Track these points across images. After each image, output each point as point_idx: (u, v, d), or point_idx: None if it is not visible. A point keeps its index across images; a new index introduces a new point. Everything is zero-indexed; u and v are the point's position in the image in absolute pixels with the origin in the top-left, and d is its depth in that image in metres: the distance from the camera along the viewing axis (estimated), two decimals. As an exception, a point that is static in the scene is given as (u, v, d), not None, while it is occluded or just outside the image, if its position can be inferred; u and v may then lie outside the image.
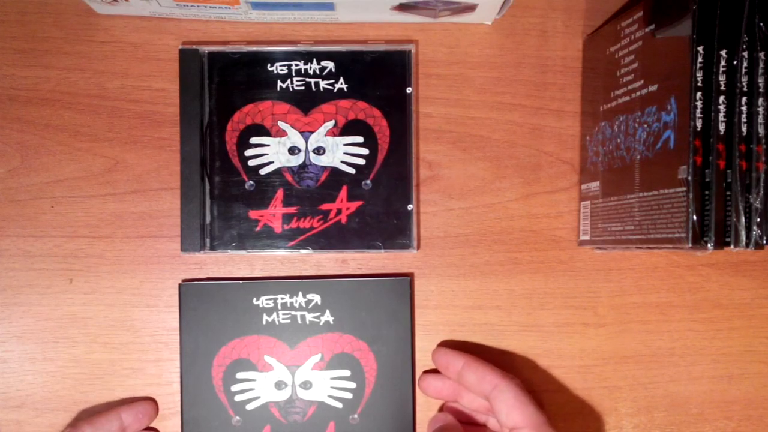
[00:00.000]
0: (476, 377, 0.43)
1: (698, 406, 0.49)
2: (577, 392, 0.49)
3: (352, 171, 0.46)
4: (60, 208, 0.47)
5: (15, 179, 0.47)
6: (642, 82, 0.42)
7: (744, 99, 0.37)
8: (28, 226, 0.47)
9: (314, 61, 0.46)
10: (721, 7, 0.37)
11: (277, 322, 0.46)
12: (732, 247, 0.37)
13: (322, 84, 0.46)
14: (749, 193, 0.37)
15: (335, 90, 0.47)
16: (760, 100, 0.37)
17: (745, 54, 0.37)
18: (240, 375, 0.46)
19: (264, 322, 0.46)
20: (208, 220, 0.46)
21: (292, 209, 0.46)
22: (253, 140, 0.46)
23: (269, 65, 0.46)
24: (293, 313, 0.46)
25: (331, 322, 0.46)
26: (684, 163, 0.37)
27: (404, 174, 0.47)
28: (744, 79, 0.37)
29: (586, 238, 0.48)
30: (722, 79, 0.37)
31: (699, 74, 0.37)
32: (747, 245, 0.37)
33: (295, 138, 0.46)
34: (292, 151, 0.46)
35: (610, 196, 0.45)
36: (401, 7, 0.45)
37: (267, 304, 0.46)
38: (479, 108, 0.49)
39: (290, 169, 0.46)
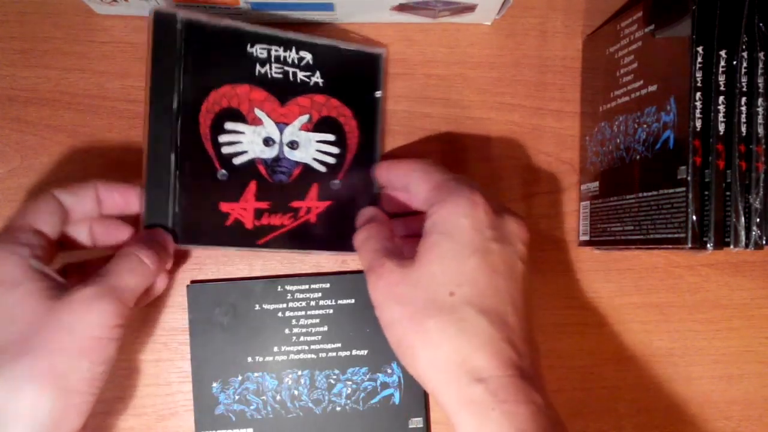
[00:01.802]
0: (397, 176, 0.43)
1: (698, 406, 0.49)
2: (576, 392, 0.49)
3: (323, 169, 0.45)
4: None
5: (14, 179, 0.47)
6: (641, 82, 0.42)
7: (743, 99, 0.37)
8: (27, 226, 0.47)
9: (293, 49, 0.45)
10: (720, 8, 0.37)
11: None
12: (731, 247, 0.37)
13: (300, 75, 0.45)
14: (749, 193, 0.37)
15: (311, 83, 0.45)
16: (760, 101, 0.37)
17: (745, 54, 0.37)
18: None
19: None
20: (176, 209, 0.42)
21: (264, 204, 0.44)
22: (228, 126, 0.43)
23: (249, 46, 0.44)
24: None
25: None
26: (683, 164, 0.37)
27: (370, 179, 0.46)
28: (743, 80, 0.37)
29: (586, 238, 0.48)
30: (722, 79, 0.37)
31: (698, 74, 0.37)
32: (746, 245, 0.37)
33: (270, 128, 0.44)
34: (267, 142, 0.44)
35: (609, 196, 0.45)
36: (401, 8, 0.45)
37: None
38: (479, 108, 0.49)
39: (264, 161, 0.44)
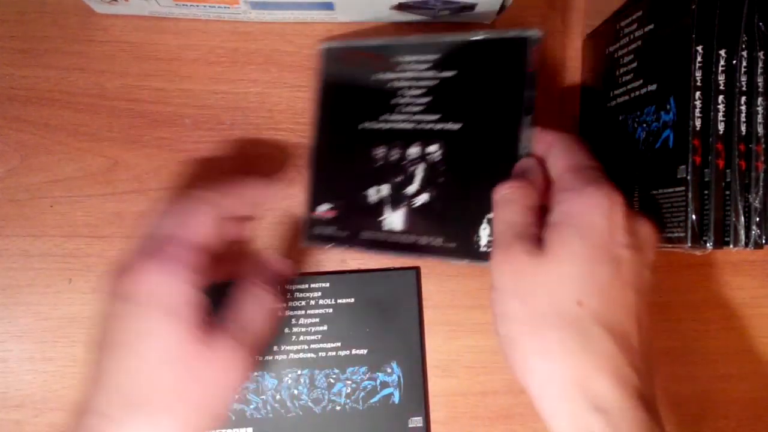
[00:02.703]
0: (541, 142, 0.39)
1: (697, 405, 0.49)
2: (576, 392, 0.49)
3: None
4: (59, 207, 0.47)
5: (14, 179, 0.47)
6: (641, 81, 0.42)
7: (743, 98, 0.37)
8: (27, 225, 0.47)
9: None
10: (720, 7, 0.37)
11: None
12: (731, 246, 0.37)
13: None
14: (748, 192, 0.37)
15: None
16: (760, 100, 0.37)
17: (745, 53, 0.37)
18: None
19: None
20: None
21: None
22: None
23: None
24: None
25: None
26: (683, 163, 0.37)
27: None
28: (743, 79, 0.37)
29: (586, 237, 0.48)
30: (721, 78, 0.37)
31: (698, 74, 0.37)
32: (746, 245, 0.37)
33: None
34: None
35: (609, 195, 0.45)
36: (400, 7, 0.45)
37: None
38: (479, 107, 0.49)
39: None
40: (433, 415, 0.48)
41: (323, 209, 0.45)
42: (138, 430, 0.32)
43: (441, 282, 0.48)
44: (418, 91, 0.44)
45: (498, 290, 0.35)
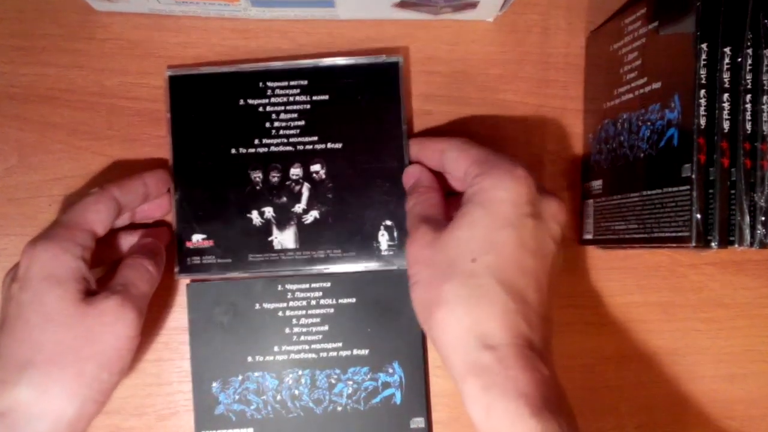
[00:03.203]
0: (427, 152, 0.44)
1: (701, 405, 0.49)
2: (578, 391, 0.49)
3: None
4: (58, 206, 0.47)
5: (13, 177, 0.47)
6: (645, 79, 0.41)
7: (748, 97, 0.37)
8: (26, 224, 0.47)
9: None
10: (725, 4, 0.37)
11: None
12: (736, 246, 0.36)
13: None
14: (754, 191, 0.37)
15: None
16: (765, 98, 0.37)
17: (749, 51, 0.37)
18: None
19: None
20: None
21: None
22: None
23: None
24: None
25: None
26: (688, 162, 0.37)
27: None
28: (748, 77, 0.37)
29: (589, 236, 0.48)
30: (726, 76, 0.37)
31: (703, 72, 0.37)
32: (751, 244, 0.36)
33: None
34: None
35: (613, 194, 0.44)
36: (402, 4, 0.45)
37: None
38: (481, 105, 0.49)
39: None
40: (435, 416, 0.47)
41: (198, 239, 0.46)
42: (30, 386, 0.36)
43: (443, 281, 0.48)
44: (292, 115, 0.46)
45: (409, 266, 0.39)
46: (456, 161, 0.41)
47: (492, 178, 0.37)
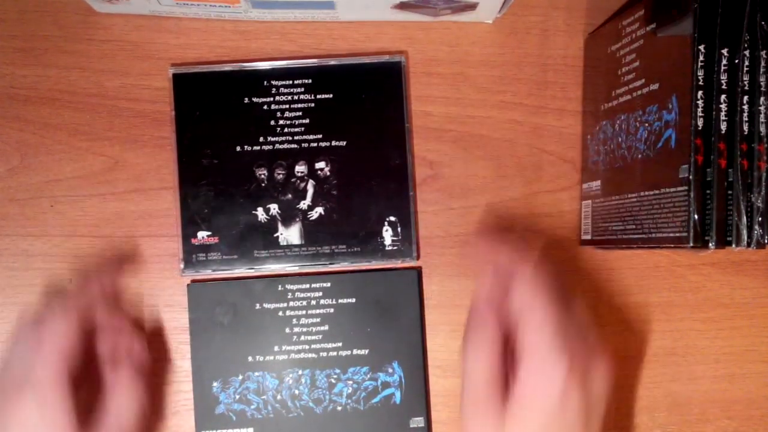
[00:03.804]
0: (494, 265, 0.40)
1: (700, 405, 0.49)
2: (578, 392, 0.49)
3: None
4: (59, 207, 0.47)
5: (14, 178, 0.47)
6: (643, 80, 0.42)
7: (745, 98, 0.37)
8: (27, 225, 0.47)
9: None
10: (722, 6, 0.37)
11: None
12: (733, 246, 0.37)
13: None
14: (751, 192, 0.37)
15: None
16: (762, 99, 0.37)
17: (747, 53, 0.37)
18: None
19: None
20: None
21: None
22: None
23: None
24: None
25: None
26: (685, 162, 0.37)
27: None
28: (745, 78, 0.37)
29: (588, 237, 0.48)
30: (723, 77, 0.37)
31: (700, 73, 0.37)
32: (748, 244, 0.37)
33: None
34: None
35: (611, 195, 0.45)
36: (402, 6, 0.45)
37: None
38: (480, 107, 0.49)
39: None
40: (435, 416, 0.48)
41: (203, 236, 0.46)
42: None
43: (442, 282, 0.48)
44: (296, 113, 0.47)
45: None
46: (522, 298, 0.38)
47: (540, 377, 0.36)
